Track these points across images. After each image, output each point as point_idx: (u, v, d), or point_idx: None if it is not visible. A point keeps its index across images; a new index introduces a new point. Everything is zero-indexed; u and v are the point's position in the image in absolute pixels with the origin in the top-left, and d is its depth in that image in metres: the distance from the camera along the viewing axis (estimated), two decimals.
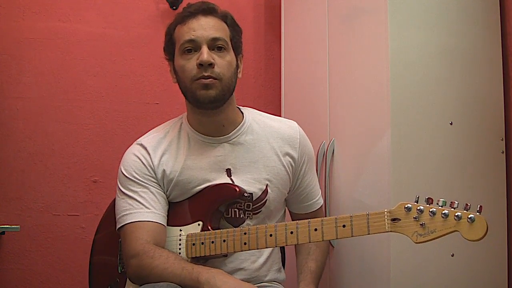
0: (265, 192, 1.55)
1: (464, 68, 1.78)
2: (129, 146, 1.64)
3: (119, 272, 1.58)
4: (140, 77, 2.52)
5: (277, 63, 2.48)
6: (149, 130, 1.69)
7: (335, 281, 1.88)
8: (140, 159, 1.56)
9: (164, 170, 1.55)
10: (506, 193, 1.80)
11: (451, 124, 1.74)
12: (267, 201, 1.56)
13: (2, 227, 2.16)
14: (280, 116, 2.30)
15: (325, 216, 1.65)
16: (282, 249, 1.74)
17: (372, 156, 1.74)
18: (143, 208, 1.51)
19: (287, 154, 1.60)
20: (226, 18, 1.56)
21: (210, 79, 1.48)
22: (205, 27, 1.51)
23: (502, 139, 1.81)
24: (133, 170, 1.56)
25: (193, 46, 1.50)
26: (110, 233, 1.60)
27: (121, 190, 1.57)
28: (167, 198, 1.57)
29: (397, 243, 1.61)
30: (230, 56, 1.53)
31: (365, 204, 1.75)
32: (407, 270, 1.64)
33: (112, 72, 2.49)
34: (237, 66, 1.57)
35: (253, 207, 1.55)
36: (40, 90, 2.42)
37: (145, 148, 1.58)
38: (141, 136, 1.65)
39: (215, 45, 1.51)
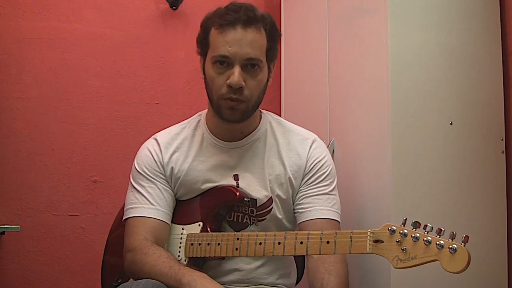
0: (270, 199, 1.54)
1: (464, 68, 1.78)
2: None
3: None
4: (140, 77, 2.52)
5: (277, 63, 2.48)
6: (149, 130, 1.70)
7: None
8: (152, 155, 1.58)
9: (172, 168, 1.56)
10: (506, 193, 1.80)
11: (451, 124, 1.74)
12: (273, 209, 1.54)
13: (2, 227, 2.16)
14: (280, 116, 2.29)
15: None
16: (302, 257, 1.69)
17: (372, 156, 1.74)
18: (147, 204, 1.52)
19: (295, 164, 1.56)
20: (266, 25, 1.48)
21: (237, 102, 1.45)
22: (241, 44, 1.43)
23: (502, 139, 1.81)
24: (144, 165, 1.57)
25: (226, 61, 1.45)
26: (122, 234, 1.61)
27: (131, 183, 1.59)
28: (175, 196, 1.57)
29: None
30: (262, 74, 1.49)
31: (365, 205, 1.75)
32: (407, 270, 1.64)
33: (112, 72, 2.49)
34: (268, 76, 1.54)
35: (257, 213, 1.54)
36: (40, 90, 2.41)
37: (159, 144, 1.59)
38: (145, 134, 1.67)
39: (248, 64, 1.45)
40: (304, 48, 2.20)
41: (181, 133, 1.61)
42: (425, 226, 1.21)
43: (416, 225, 1.22)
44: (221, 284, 1.41)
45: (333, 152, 1.92)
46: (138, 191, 1.55)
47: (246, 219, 1.55)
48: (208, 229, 1.50)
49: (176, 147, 1.58)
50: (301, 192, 1.57)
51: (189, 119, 1.66)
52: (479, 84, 1.80)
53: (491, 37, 1.84)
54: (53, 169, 2.40)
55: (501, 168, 1.80)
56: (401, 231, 1.23)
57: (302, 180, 1.57)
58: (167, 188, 1.56)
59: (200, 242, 1.48)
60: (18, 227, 2.14)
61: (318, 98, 2.04)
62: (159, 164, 1.56)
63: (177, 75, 2.55)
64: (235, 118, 1.48)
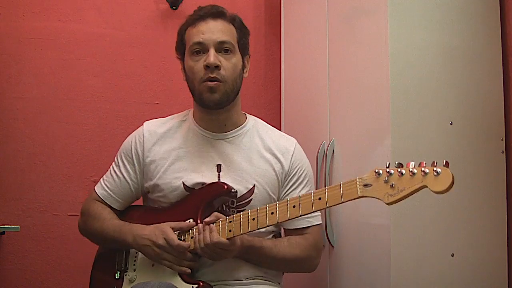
0: (250, 191, 1.59)
1: (464, 68, 1.78)
2: None
3: (116, 278, 1.62)
4: (140, 77, 2.52)
5: (277, 63, 2.48)
6: None
7: (335, 282, 1.88)
8: (132, 143, 1.68)
9: (154, 156, 1.63)
10: (506, 193, 1.80)
11: (451, 124, 1.74)
12: (252, 200, 1.59)
13: (2, 227, 2.16)
14: (280, 116, 2.31)
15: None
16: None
17: (372, 156, 1.74)
18: (107, 184, 1.68)
19: (279, 161, 1.64)
20: (234, 21, 1.64)
21: (215, 82, 1.55)
22: (213, 30, 1.58)
23: (502, 139, 1.81)
24: (125, 147, 1.70)
25: (201, 48, 1.58)
26: (111, 251, 1.67)
27: (116, 156, 1.73)
28: (158, 186, 1.61)
29: (397, 242, 1.61)
30: (236, 58, 1.61)
31: (365, 204, 1.75)
32: (407, 270, 1.64)
33: (112, 72, 2.49)
34: (243, 67, 1.65)
35: (237, 204, 1.59)
36: (40, 90, 2.41)
37: (143, 133, 1.67)
38: None
39: (222, 48, 1.57)
40: (304, 48, 2.21)
41: (167, 122, 1.70)
42: (408, 164, 1.29)
43: (399, 165, 1.29)
44: (222, 281, 1.52)
45: (333, 152, 1.92)
46: (113, 166, 1.70)
47: (227, 209, 1.60)
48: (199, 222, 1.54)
49: (161, 135, 1.66)
50: (285, 195, 1.64)
51: (180, 113, 1.74)
52: (479, 84, 1.80)
53: (491, 37, 1.84)
54: (53, 169, 2.40)
55: (501, 168, 1.80)
56: (387, 171, 1.30)
57: (285, 181, 1.64)
58: (132, 178, 1.66)
59: (192, 235, 1.52)
60: (18, 227, 2.15)
61: (318, 98, 2.04)
62: (134, 154, 1.66)
63: (177, 75, 2.51)
64: (215, 100, 1.57)
